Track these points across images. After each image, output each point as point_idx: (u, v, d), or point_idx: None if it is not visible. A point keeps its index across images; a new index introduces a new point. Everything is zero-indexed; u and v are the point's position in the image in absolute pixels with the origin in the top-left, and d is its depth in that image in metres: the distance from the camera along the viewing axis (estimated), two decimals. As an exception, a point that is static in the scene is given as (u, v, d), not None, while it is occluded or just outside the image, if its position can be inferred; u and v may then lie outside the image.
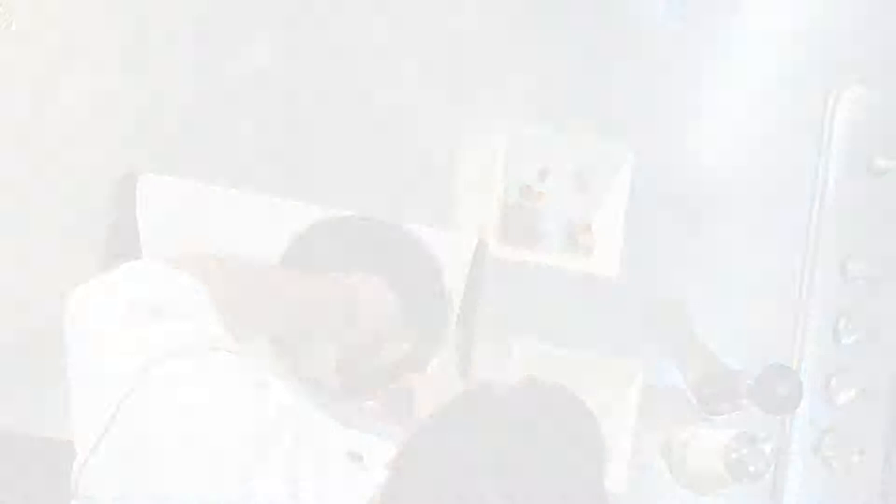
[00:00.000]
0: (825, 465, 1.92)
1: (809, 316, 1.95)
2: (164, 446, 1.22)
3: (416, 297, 1.75)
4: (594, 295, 1.90)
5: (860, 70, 2.00)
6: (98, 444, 1.20)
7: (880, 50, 2.01)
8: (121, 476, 1.21)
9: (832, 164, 1.97)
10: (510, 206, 1.89)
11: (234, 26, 1.79)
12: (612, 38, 1.93)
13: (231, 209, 1.76)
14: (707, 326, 1.93)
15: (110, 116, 1.75)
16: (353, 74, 1.84)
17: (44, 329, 1.53)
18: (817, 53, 2.00)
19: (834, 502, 1.94)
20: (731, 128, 1.98)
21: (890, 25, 2.01)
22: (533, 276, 1.88)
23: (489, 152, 1.88)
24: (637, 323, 1.92)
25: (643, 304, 1.92)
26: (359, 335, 1.62)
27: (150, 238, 1.71)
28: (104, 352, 1.25)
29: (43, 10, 1.73)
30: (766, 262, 1.97)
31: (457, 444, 1.11)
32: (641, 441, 1.88)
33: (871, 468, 1.94)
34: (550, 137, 1.88)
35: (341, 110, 1.83)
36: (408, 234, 1.77)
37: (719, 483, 1.79)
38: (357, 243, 1.78)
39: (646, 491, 1.89)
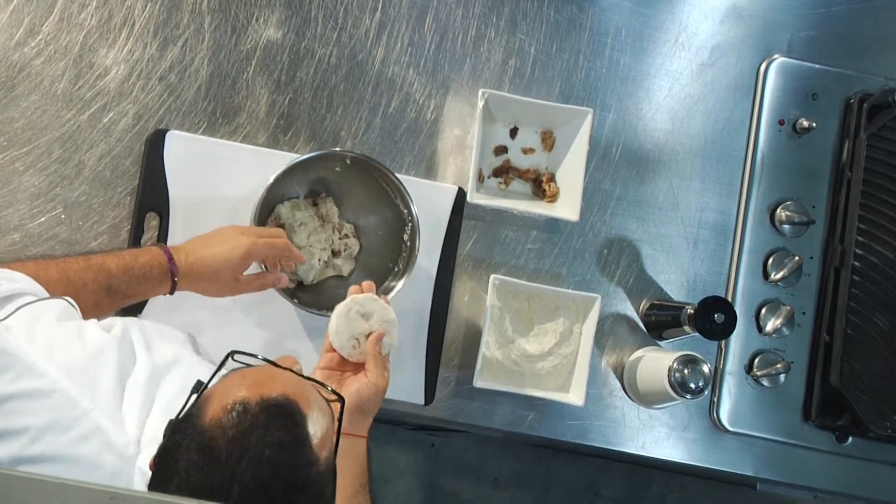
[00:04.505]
0: (755, 384, 2.00)
1: (742, 255, 2.03)
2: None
3: None
4: (558, 237, 2.00)
5: (787, 43, 2.09)
6: None
7: (804, 26, 2.09)
8: None
9: (763, 124, 2.05)
10: (486, 159, 1.98)
11: (247, 7, 1.91)
12: (571, 15, 2.03)
13: (239, 159, 1.88)
14: (655, 264, 2.03)
15: (143, 82, 1.88)
16: (352, 49, 1.95)
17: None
18: (751, 28, 2.08)
19: (762, 415, 2.01)
20: (677, 91, 2.06)
21: (812, 5, 2.10)
22: (506, 221, 1.99)
23: (468, 115, 1.98)
24: (595, 261, 2.01)
25: (601, 245, 2.02)
26: None
27: (174, 182, 1.85)
28: None
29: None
30: (705, 208, 2.04)
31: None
32: (598, 363, 1.98)
33: (795, 386, 2.01)
34: (520, 101, 1.96)
35: (342, 80, 1.95)
36: None
37: (665, 398, 1.89)
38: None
39: (602, 405, 1.98)
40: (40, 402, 1.32)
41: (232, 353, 1.35)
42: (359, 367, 1.63)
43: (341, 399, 1.35)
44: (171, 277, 1.63)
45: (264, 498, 1.18)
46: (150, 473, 1.26)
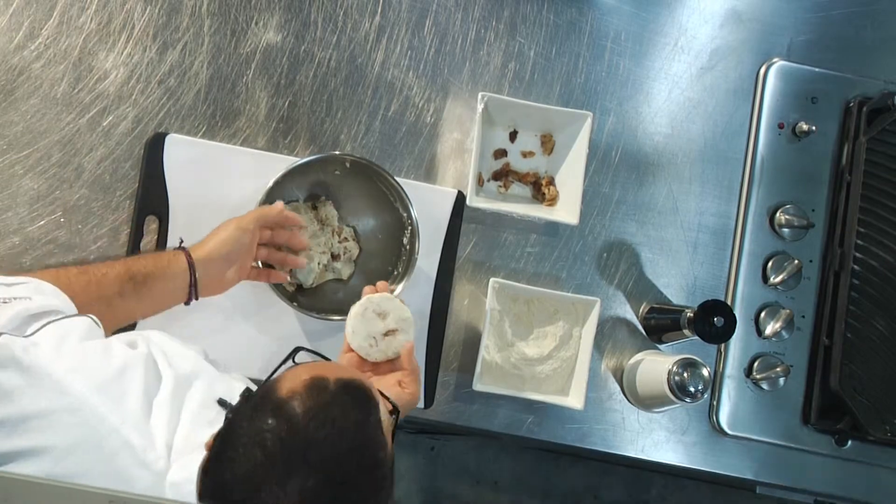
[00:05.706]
0: (755, 387, 2.00)
1: (742, 258, 2.03)
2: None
3: None
4: (558, 240, 2.00)
5: (787, 46, 2.09)
6: None
7: (804, 29, 2.09)
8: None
9: (762, 128, 2.05)
10: (485, 163, 1.98)
11: (246, 10, 1.92)
12: (571, 18, 2.03)
13: (238, 162, 1.87)
14: (655, 267, 2.03)
15: (143, 86, 1.88)
16: (352, 53, 1.95)
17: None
18: (750, 31, 2.08)
19: (762, 419, 2.00)
20: (676, 95, 2.06)
21: (811, 9, 2.10)
22: (505, 224, 1.98)
23: (467, 118, 1.98)
24: (595, 265, 2.01)
25: (600, 249, 2.01)
26: None
27: (174, 185, 1.85)
28: None
29: (86, -7, 1.86)
30: (705, 211, 2.04)
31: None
32: (598, 366, 1.98)
33: (794, 390, 2.00)
34: (519, 105, 1.95)
35: (341, 84, 1.95)
36: None
37: (664, 402, 1.89)
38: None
39: (602, 409, 1.98)
40: (68, 418, 1.32)
41: (298, 349, 1.44)
42: (378, 366, 1.67)
43: (396, 411, 1.42)
44: (183, 250, 1.66)
45: (338, 470, 1.20)
46: (182, 485, 1.27)
